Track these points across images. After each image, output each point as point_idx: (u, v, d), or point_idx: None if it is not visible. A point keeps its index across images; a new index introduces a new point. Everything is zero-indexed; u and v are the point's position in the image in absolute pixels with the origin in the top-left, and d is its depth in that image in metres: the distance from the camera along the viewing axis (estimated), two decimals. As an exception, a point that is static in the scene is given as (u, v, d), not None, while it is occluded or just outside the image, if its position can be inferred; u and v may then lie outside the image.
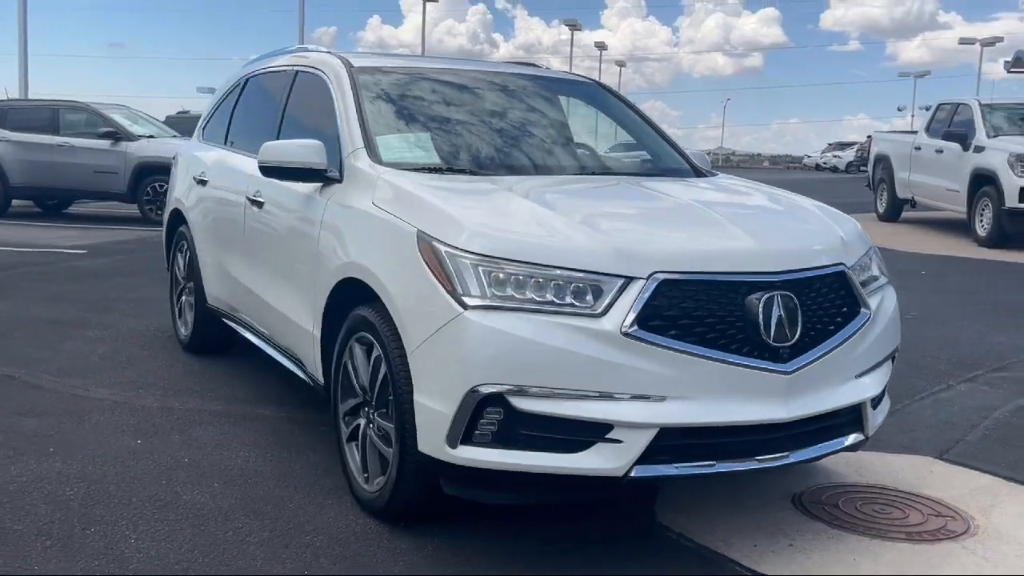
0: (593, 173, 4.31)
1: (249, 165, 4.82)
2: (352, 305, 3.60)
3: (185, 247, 5.81)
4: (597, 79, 5.10)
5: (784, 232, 3.50)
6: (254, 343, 4.92)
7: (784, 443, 3.17)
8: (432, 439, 3.07)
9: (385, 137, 4.03)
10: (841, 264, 3.37)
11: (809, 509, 3.67)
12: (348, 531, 3.38)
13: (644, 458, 2.95)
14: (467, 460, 3.01)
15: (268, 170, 4.02)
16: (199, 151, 5.86)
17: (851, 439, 3.38)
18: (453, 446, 3.01)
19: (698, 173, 4.52)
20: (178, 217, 5.95)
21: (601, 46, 56.12)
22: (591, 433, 2.95)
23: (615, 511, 3.61)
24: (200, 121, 6.25)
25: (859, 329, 3.34)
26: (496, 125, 4.39)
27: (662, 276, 2.99)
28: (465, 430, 2.99)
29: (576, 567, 3.19)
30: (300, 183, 4.09)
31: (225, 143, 5.54)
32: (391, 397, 3.29)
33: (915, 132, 16.39)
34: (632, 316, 2.94)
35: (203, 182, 5.45)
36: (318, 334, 3.87)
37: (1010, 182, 12.23)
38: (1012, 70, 54.10)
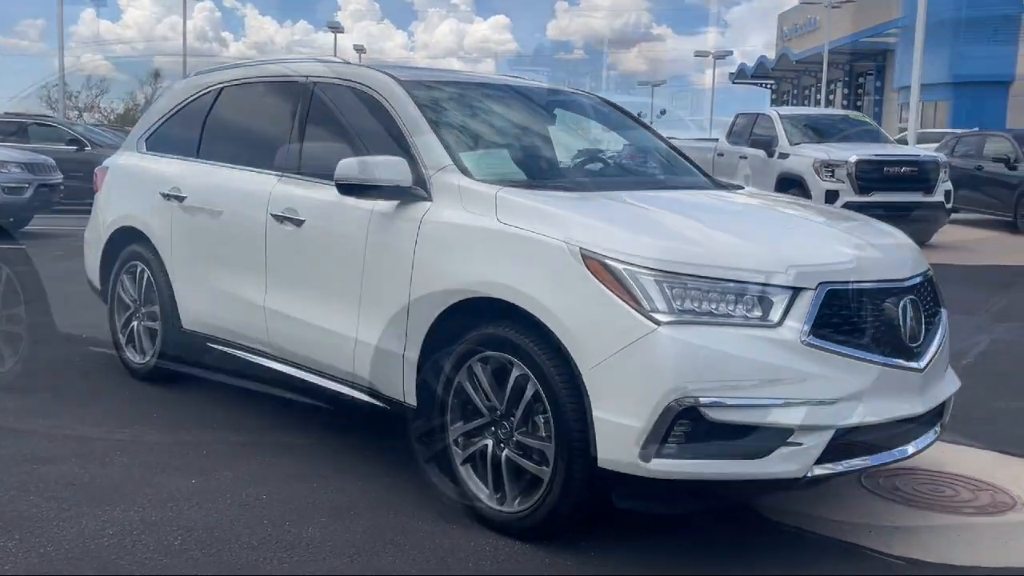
0: (664, 187, 4.44)
1: (263, 180, 4.59)
2: (466, 325, 3.56)
3: (139, 269, 5.38)
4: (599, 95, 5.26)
5: (889, 242, 3.81)
6: (267, 366, 4.66)
7: (910, 435, 3.48)
8: (618, 453, 3.12)
9: (464, 154, 3.98)
10: (929, 268, 3.74)
11: (878, 491, 4.01)
12: (503, 553, 3.35)
13: (820, 459, 3.16)
14: (661, 472, 3.09)
15: (347, 187, 3.87)
16: (153, 164, 5.44)
17: (938, 428, 3.74)
18: (647, 460, 3.08)
19: (720, 185, 4.78)
20: (127, 236, 5.50)
21: (360, 49, 55.92)
22: (774, 439, 3.11)
23: (719, 514, 3.77)
24: (138, 132, 5.79)
25: (945, 327, 3.72)
26: (553, 139, 4.43)
27: (828, 286, 3.21)
28: (660, 443, 3.07)
29: (734, 569, 3.34)
30: (364, 201, 3.97)
31: (197, 155, 5.19)
32: (546, 415, 3.30)
33: (716, 140, 17.61)
34: (807, 326, 3.14)
35: (178, 198, 5.08)
36: (414, 356, 3.77)
37: (816, 185, 13.48)
38: (736, 81, 59.24)
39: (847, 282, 3.27)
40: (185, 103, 5.45)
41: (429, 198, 3.83)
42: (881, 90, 47.44)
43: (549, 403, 3.28)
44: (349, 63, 4.66)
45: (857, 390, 3.21)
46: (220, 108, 5.20)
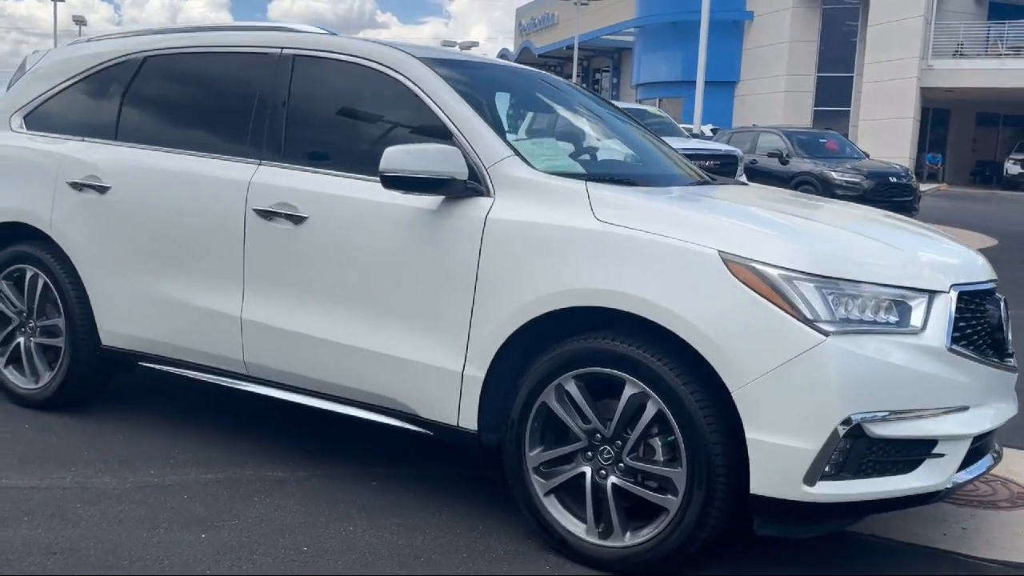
0: (700, 181, 4.15)
1: (232, 169, 3.89)
2: (548, 338, 3.17)
3: (29, 274, 4.43)
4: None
5: (958, 244, 3.75)
6: (236, 388, 3.97)
7: (991, 441, 3.45)
8: (778, 478, 2.85)
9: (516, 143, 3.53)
10: None
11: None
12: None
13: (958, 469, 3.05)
14: (823, 496, 2.86)
15: (394, 180, 3.31)
16: (47, 146, 4.49)
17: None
18: (811, 483, 2.84)
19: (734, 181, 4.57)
20: (5, 235, 4.53)
21: (80, 20, 51.14)
22: (921, 451, 2.98)
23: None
24: (7, 107, 4.77)
25: None
26: (592, 129, 4.05)
27: (958, 289, 3.10)
28: (826, 464, 2.83)
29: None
30: (399, 196, 3.43)
31: (116, 138, 4.32)
32: (670, 437, 2.98)
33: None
34: (949, 331, 3.02)
35: (98, 188, 4.21)
36: (479, 374, 3.30)
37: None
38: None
39: (970, 284, 3.19)
40: (85, 75, 4.53)
41: (488, 193, 3.36)
42: (618, 86, 49.86)
43: (679, 425, 2.95)
44: (336, 34, 4.02)
45: (982, 395, 3.13)
46: (146, 82, 4.36)
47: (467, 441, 3.41)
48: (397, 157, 3.30)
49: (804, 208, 3.83)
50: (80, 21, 51.66)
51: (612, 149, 4.14)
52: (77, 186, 4.28)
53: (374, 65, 3.74)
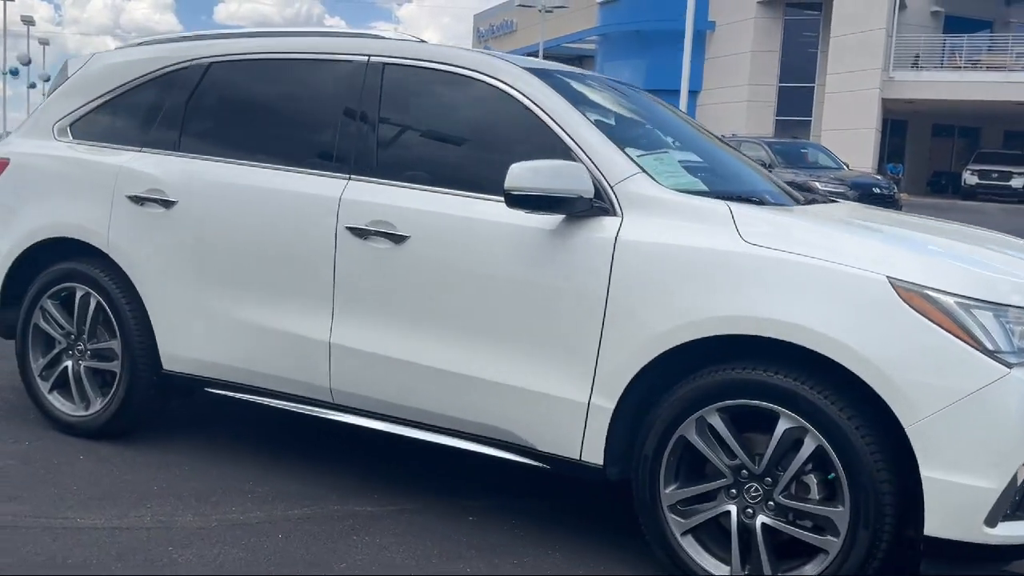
0: (808, 200, 3.99)
1: (319, 184, 3.66)
2: (683, 367, 3.00)
3: (80, 294, 4.15)
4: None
5: None
6: (319, 416, 3.74)
7: None
8: (958, 519, 2.71)
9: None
10: None
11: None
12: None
13: None
14: (1003, 538, 2.73)
15: (519, 199, 3.12)
16: (100, 157, 4.21)
17: None
18: (992, 524, 2.69)
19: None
20: (55, 251, 4.24)
21: (28, 20, 49.87)
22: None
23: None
24: (50, 116, 4.46)
25: None
26: (691, 144, 3.87)
27: None
28: (1010, 503, 2.69)
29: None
30: (517, 216, 3.24)
31: (179, 148, 4.06)
32: (830, 475, 2.82)
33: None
34: None
35: (162, 202, 3.95)
36: (608, 405, 3.11)
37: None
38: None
39: None
40: (139, 81, 4.25)
41: (614, 213, 3.17)
42: (578, 94, 49.70)
43: (843, 462, 2.79)
44: (427, 43, 3.81)
45: None
46: (212, 90, 4.10)
47: (589, 476, 3.22)
48: (523, 175, 3.10)
49: (935, 229, 3.69)
50: (28, 21, 50.39)
51: (718, 165, 3.98)
52: (138, 200, 4.01)
53: (478, 76, 3.53)
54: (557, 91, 3.44)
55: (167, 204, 3.94)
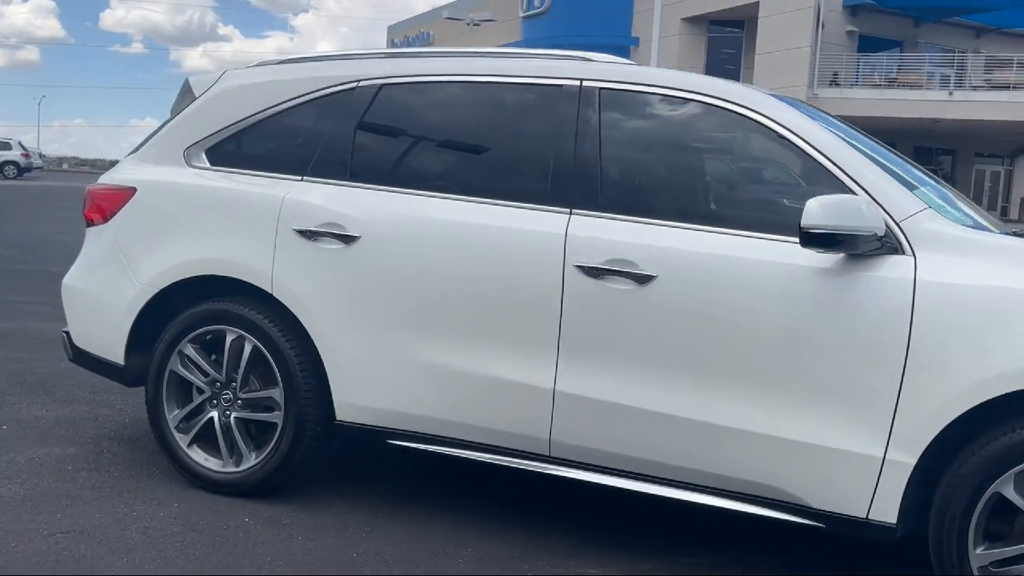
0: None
1: (536, 219, 3.37)
2: (984, 416, 2.83)
3: (232, 338, 3.75)
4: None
5: None
6: (532, 470, 3.44)
7: None
8: None
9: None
10: None
11: None
12: None
13: None
14: None
15: (814, 237, 2.90)
16: (255, 187, 3.81)
17: None
18: None
19: None
20: (201, 290, 3.83)
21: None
22: None
23: None
24: (182, 140, 4.04)
25: None
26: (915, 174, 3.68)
27: None
28: None
29: None
30: (789, 254, 3.03)
31: (351, 178, 3.71)
32: None
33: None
34: None
35: (342, 237, 3.59)
36: (908, 460, 2.91)
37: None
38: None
39: None
40: (294, 103, 3.88)
41: (903, 251, 2.98)
42: (499, 107, 49.71)
43: None
44: (618, 61, 3.57)
45: None
46: (387, 114, 3.76)
47: (875, 535, 3.01)
48: (820, 211, 2.89)
49: None
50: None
51: (943, 196, 3.82)
52: (309, 235, 3.64)
53: (717, 102, 3.30)
54: (816, 120, 3.23)
55: (347, 239, 3.59)
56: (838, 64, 34.04)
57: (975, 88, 32.20)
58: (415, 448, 3.61)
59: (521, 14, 42.47)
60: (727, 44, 38.07)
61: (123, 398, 5.19)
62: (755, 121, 3.24)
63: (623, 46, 40.30)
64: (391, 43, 61.40)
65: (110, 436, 4.52)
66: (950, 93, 31.95)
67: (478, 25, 38.18)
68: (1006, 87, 30.89)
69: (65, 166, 77.68)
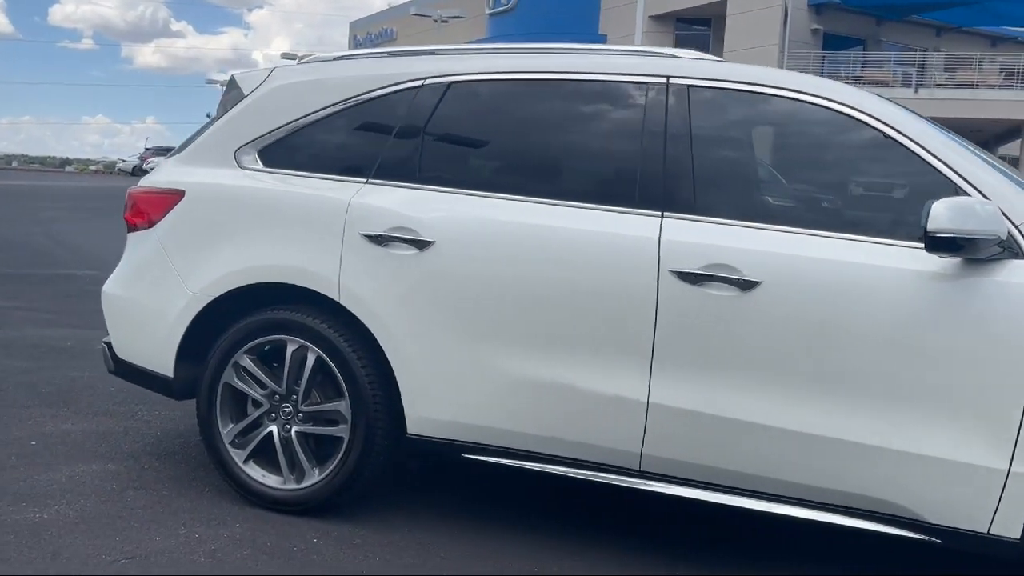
0: None
1: (624, 222, 3.23)
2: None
3: (292, 348, 3.57)
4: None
5: None
6: (625, 485, 3.30)
7: None
8: None
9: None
10: None
11: None
12: None
13: None
14: None
15: (942, 242, 2.79)
16: (315, 190, 3.63)
17: None
18: None
19: None
20: (258, 297, 3.64)
21: None
22: None
23: None
24: (231, 140, 3.83)
25: None
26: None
27: None
28: None
29: None
30: (901, 259, 2.93)
31: (418, 180, 3.54)
32: None
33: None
34: None
35: (414, 242, 3.42)
36: (1041, 473, 2.81)
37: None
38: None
39: None
40: (353, 101, 3.69)
41: (1022, 255, 2.88)
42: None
43: None
44: (734, 64, 3.42)
45: None
46: (456, 114, 3.59)
47: (997, 551, 2.90)
48: (947, 215, 2.78)
49: None
50: None
51: None
52: (379, 240, 3.46)
53: (816, 100, 3.18)
54: (924, 120, 3.12)
55: (420, 245, 3.41)
56: (805, 62, 34.27)
57: (939, 86, 32.59)
58: (492, 462, 3.45)
59: (488, 11, 42.27)
60: (694, 42, 38.14)
61: (148, 409, 4.97)
62: (861, 121, 3.12)
63: (590, 43, 40.29)
64: (353, 40, 60.89)
65: (147, 451, 4.31)
66: (915, 91, 32.30)
67: (446, 22, 37.96)
68: (970, 85, 31.30)
69: (15, 164, 76.08)
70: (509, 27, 40.92)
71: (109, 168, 64.72)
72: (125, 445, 4.38)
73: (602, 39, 40.15)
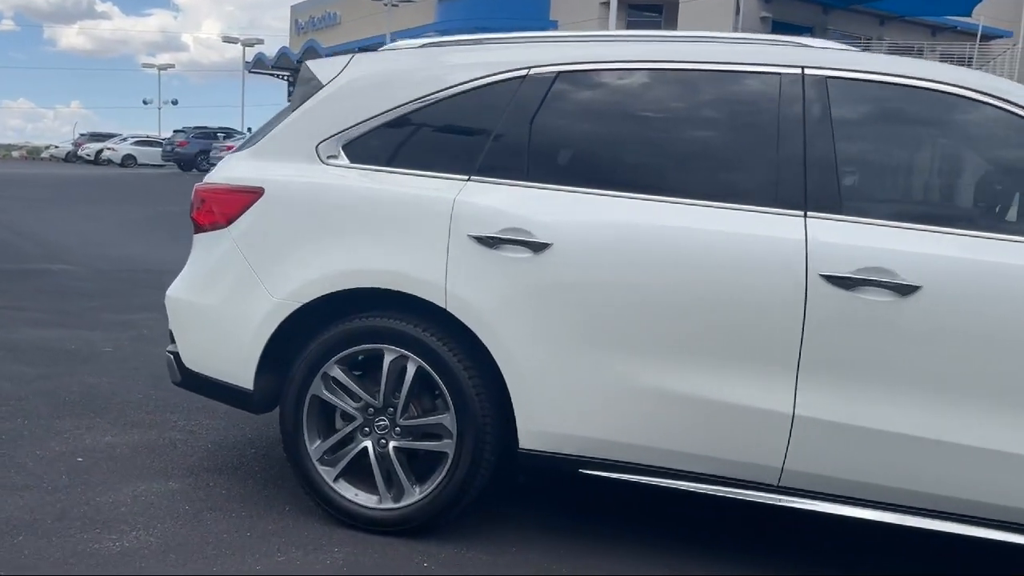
0: None
1: (766, 223, 3.04)
2: None
3: (391, 359, 3.32)
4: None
5: None
6: (765, 502, 3.12)
7: None
8: None
9: None
10: None
11: None
12: None
13: None
14: None
15: None
16: (414, 188, 3.36)
17: None
18: None
19: None
20: (349, 304, 3.37)
21: None
22: None
23: None
24: (311, 134, 3.54)
25: None
26: None
27: None
28: None
29: None
30: None
31: (527, 178, 3.30)
32: None
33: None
34: None
35: (534, 245, 3.18)
36: None
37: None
38: (253, 71, 57.54)
39: None
40: (444, 94, 3.43)
41: None
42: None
43: None
44: (873, 55, 3.23)
45: None
46: (566, 106, 3.35)
47: None
48: None
49: None
50: None
51: None
52: (489, 242, 3.22)
53: (977, 96, 3.00)
54: None
55: (536, 247, 3.18)
56: (757, 50, 34.49)
57: (886, 74, 33.04)
58: (613, 478, 3.24)
59: (436, -4, 41.80)
60: (646, 29, 38.19)
61: (184, 417, 4.68)
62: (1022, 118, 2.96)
63: (541, 28, 40.07)
64: (295, 23, 59.80)
65: (203, 467, 4.01)
66: (864, 79, 32.66)
67: (396, 6, 37.38)
68: (917, 74, 31.80)
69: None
70: (458, 12, 40.53)
71: (33, 154, 62.47)
72: (177, 459, 4.08)
73: (553, 24, 39.99)
